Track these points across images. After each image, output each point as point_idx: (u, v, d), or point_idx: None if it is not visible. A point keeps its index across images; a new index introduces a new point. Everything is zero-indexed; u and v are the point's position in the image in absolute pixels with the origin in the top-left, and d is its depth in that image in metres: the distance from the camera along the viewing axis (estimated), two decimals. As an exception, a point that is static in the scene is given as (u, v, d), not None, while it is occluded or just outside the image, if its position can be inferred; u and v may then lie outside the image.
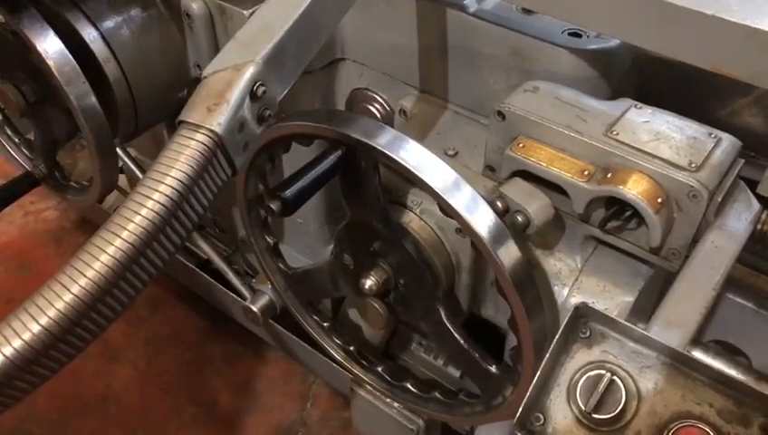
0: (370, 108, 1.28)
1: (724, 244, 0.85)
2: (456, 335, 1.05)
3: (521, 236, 0.93)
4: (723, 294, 1.18)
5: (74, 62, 1.00)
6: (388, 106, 1.26)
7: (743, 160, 0.92)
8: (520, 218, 0.92)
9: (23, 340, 0.59)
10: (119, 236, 0.62)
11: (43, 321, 0.60)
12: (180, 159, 0.65)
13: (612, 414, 0.66)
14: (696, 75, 0.94)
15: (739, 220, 0.88)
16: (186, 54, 1.14)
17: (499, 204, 0.92)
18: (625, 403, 0.66)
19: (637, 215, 0.89)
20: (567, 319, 0.69)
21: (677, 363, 0.67)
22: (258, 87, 0.71)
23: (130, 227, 0.62)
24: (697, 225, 0.87)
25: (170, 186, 0.64)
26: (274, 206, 0.87)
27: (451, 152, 1.09)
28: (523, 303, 0.90)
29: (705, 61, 0.83)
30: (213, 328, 2.04)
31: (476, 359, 1.05)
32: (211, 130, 0.66)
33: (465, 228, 0.90)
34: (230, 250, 1.72)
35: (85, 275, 0.60)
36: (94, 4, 1.08)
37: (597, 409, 0.66)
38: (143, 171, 1.54)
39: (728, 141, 0.91)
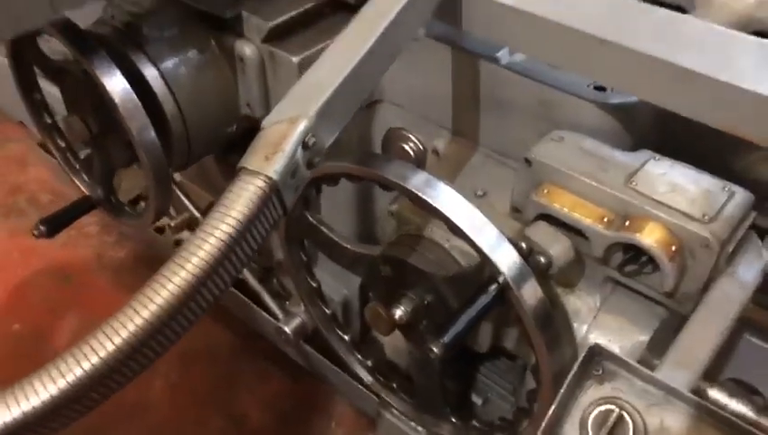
0: (405, 146, 1.36)
1: (734, 292, 0.91)
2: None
3: (543, 276, 1.00)
4: (741, 335, 1.23)
5: (137, 100, 1.10)
6: (422, 145, 1.34)
7: (754, 213, 0.98)
8: (543, 259, 0.99)
9: (84, 367, 0.67)
10: (183, 268, 0.70)
11: (109, 347, 0.68)
12: (240, 202, 0.73)
13: (621, 447, 0.72)
14: (713, 130, 1.01)
15: (749, 269, 0.94)
16: (236, 94, 1.24)
17: (524, 245, 0.99)
18: (632, 438, 0.73)
19: (653, 260, 0.96)
20: (582, 357, 0.75)
21: (681, 402, 0.73)
22: (310, 138, 0.79)
23: (194, 260, 0.70)
24: (709, 272, 0.93)
25: (231, 225, 0.72)
26: (436, 349, 0.96)
27: (480, 193, 1.16)
28: (543, 339, 0.97)
29: (719, 122, 0.90)
30: (244, 345, 2.12)
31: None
32: (268, 177, 0.75)
33: (490, 267, 0.97)
34: (265, 270, 1.80)
35: (154, 302, 0.69)
36: (156, 45, 1.17)
37: (608, 440, 0.72)
38: (187, 196, 1.64)
39: (741, 195, 0.97)
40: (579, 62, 1.00)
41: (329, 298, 1.41)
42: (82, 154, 1.34)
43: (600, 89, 1.10)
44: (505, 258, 0.96)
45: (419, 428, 1.31)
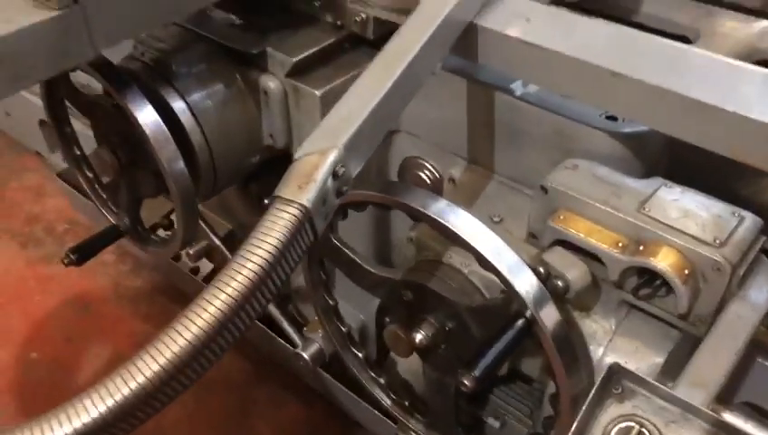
0: (421, 175, 1.40)
1: (746, 313, 0.94)
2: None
3: (561, 300, 1.04)
4: (755, 359, 1.25)
5: (168, 132, 1.15)
6: (438, 173, 1.38)
7: (764, 237, 1.02)
8: (560, 284, 1.02)
9: (121, 395, 0.70)
10: (223, 291, 0.74)
11: (144, 377, 0.71)
12: (276, 228, 0.77)
13: (642, 462, 0.75)
14: (722, 158, 1.05)
15: (760, 292, 0.98)
16: (260, 125, 1.28)
17: (542, 270, 1.03)
18: (653, 454, 0.75)
19: (666, 284, 0.99)
20: (602, 376, 0.79)
21: (699, 420, 0.76)
22: (339, 168, 0.84)
23: (234, 284, 0.74)
24: (721, 295, 0.97)
25: (268, 250, 0.76)
26: (468, 382, 1.00)
27: (497, 219, 1.20)
28: (563, 363, 1.00)
29: (727, 150, 0.94)
30: (259, 372, 2.15)
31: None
32: (302, 205, 0.79)
33: (510, 292, 1.01)
34: (282, 297, 1.83)
35: (196, 324, 0.72)
36: (184, 80, 1.22)
37: (628, 457, 0.75)
38: (206, 222, 1.68)
39: (750, 220, 1.01)
40: (592, 94, 1.04)
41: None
42: (109, 185, 1.39)
43: (612, 118, 1.15)
44: (528, 287, 1.00)
45: (438, 451, 1.33)
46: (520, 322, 1.00)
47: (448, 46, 1.05)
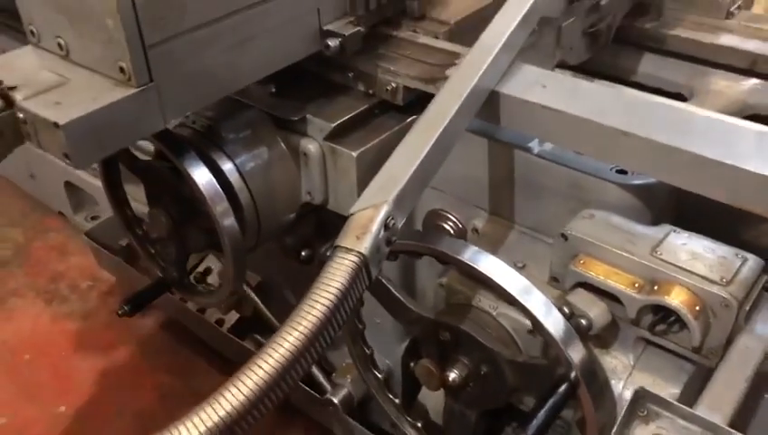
0: (445, 226, 1.52)
1: (754, 344, 1.05)
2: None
3: (584, 337, 1.14)
4: (763, 395, 1.34)
5: (221, 192, 1.26)
6: (461, 224, 1.50)
7: (766, 276, 1.13)
8: (584, 322, 1.13)
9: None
10: (296, 329, 0.85)
11: (223, 411, 0.81)
12: (338, 273, 0.89)
13: (669, 476, 0.85)
14: (725, 206, 1.17)
15: (765, 325, 1.08)
16: (299, 184, 1.40)
17: (566, 310, 1.14)
18: (678, 468, 0.85)
19: (679, 320, 1.10)
20: (630, 399, 0.89)
21: (719, 436, 0.86)
22: (390, 220, 0.95)
23: (304, 323, 0.85)
24: (730, 329, 1.07)
25: (333, 293, 0.87)
26: None
27: (520, 265, 1.31)
28: (590, 394, 1.09)
29: (728, 198, 1.06)
30: (282, 419, 2.21)
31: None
32: (360, 253, 0.91)
33: (539, 331, 1.11)
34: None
35: (273, 358, 0.83)
36: (232, 144, 1.35)
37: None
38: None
39: (753, 260, 1.12)
40: (604, 151, 1.17)
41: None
42: (159, 241, 1.50)
43: (622, 172, 1.27)
44: (558, 329, 1.11)
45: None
46: (565, 386, 1.11)
47: (475, 111, 1.18)
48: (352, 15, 1.30)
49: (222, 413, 0.80)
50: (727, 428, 0.85)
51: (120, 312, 1.53)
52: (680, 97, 1.89)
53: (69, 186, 2.64)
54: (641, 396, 0.90)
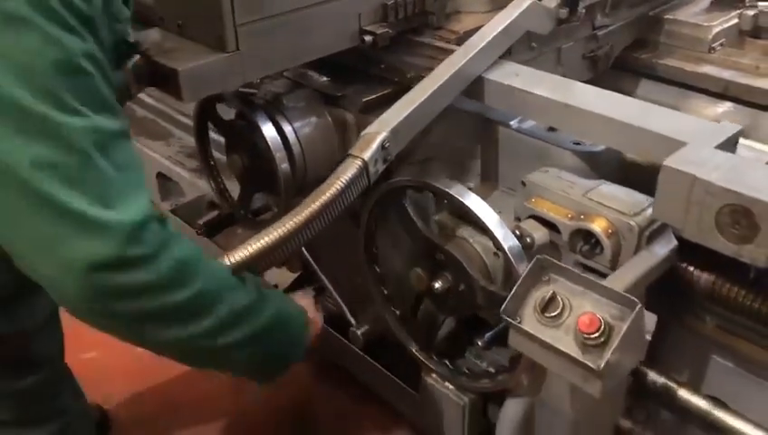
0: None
1: (647, 255, 1.43)
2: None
3: (528, 252, 1.55)
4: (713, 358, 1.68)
5: (281, 144, 1.76)
6: (462, 190, 1.93)
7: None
8: (528, 240, 1.54)
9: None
10: (319, 199, 1.32)
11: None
12: (347, 169, 1.36)
13: (554, 314, 1.25)
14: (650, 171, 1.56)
15: (661, 248, 1.46)
16: (337, 146, 1.88)
17: (517, 232, 1.55)
18: (561, 310, 1.25)
19: (600, 244, 1.49)
20: (531, 264, 1.30)
21: (595, 293, 1.26)
22: (386, 143, 1.42)
23: (328, 193, 1.34)
24: (634, 249, 1.46)
25: (343, 181, 1.34)
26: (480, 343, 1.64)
27: (497, 211, 1.73)
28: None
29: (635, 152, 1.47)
30: (318, 371, 2.64)
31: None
32: (363, 159, 1.38)
33: (498, 248, 1.53)
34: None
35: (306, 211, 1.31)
36: (291, 112, 1.84)
37: (545, 310, 1.26)
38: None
39: (659, 204, 1.51)
40: (557, 121, 1.60)
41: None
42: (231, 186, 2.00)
43: (577, 143, 1.68)
44: (509, 240, 1.53)
45: (449, 385, 1.81)
46: None
47: (460, 88, 1.64)
48: (385, 21, 1.79)
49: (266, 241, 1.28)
50: (603, 284, 1.24)
51: (198, 231, 2.04)
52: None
53: (161, 176, 3.05)
54: (543, 265, 1.31)
